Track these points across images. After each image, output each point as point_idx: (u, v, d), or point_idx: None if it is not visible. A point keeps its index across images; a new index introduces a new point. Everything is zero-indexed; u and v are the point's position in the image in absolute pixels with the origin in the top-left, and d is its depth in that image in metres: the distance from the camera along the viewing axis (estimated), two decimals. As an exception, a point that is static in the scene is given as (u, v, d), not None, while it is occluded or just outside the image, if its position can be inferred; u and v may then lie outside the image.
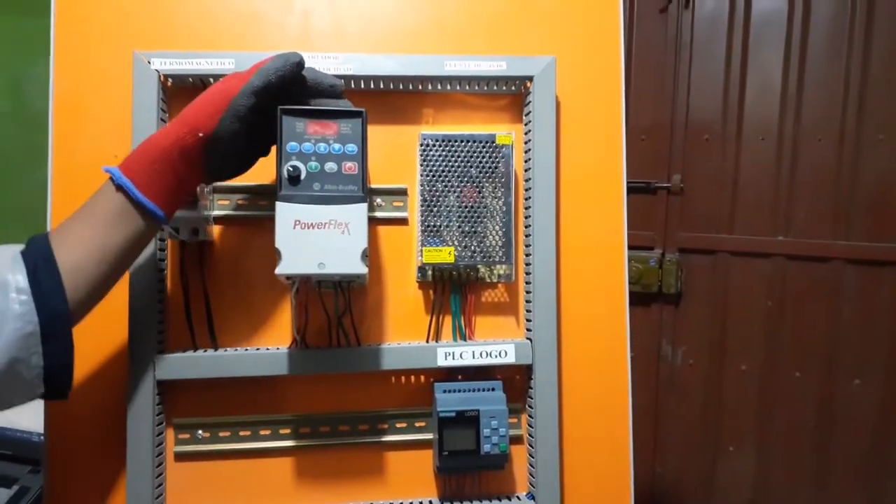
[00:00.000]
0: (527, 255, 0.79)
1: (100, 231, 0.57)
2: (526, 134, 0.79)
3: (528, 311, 0.79)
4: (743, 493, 1.82)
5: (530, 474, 0.79)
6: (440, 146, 0.76)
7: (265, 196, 0.76)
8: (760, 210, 1.74)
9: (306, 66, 0.65)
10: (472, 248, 0.76)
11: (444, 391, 0.77)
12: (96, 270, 0.57)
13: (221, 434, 0.76)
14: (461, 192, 0.76)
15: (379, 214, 0.78)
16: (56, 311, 0.54)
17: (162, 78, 0.73)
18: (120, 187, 0.58)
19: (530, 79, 0.77)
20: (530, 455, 0.79)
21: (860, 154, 1.63)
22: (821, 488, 1.73)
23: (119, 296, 0.70)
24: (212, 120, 0.59)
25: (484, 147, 0.76)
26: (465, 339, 0.79)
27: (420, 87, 0.79)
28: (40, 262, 0.54)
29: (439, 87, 0.79)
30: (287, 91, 0.64)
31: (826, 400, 1.71)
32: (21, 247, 0.55)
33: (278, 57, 0.63)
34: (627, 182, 0.83)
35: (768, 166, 1.72)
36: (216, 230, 0.76)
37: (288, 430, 0.77)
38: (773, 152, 1.72)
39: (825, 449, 1.72)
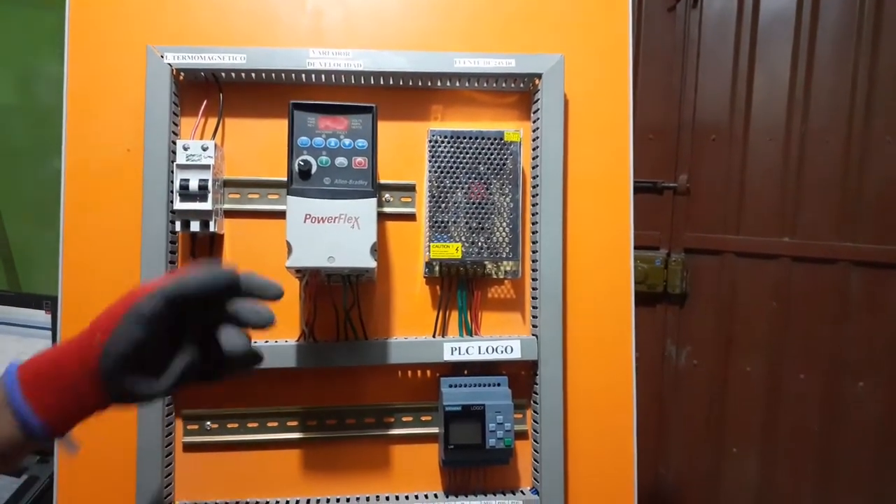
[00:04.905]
0: (533, 252, 0.79)
1: None
2: (534, 131, 0.80)
3: (534, 307, 0.79)
4: (746, 494, 1.82)
5: (535, 469, 0.79)
6: (449, 142, 0.76)
7: (276, 190, 0.77)
8: (767, 211, 1.74)
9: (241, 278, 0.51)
10: (480, 244, 0.76)
11: (450, 386, 0.78)
12: None
13: (230, 425, 0.77)
14: (469, 188, 0.76)
15: (387, 210, 0.79)
16: None
17: (174, 72, 0.74)
18: (9, 404, 0.48)
19: (539, 76, 0.77)
20: (535, 450, 0.79)
21: (867, 156, 1.63)
22: (825, 490, 1.72)
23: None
24: (112, 322, 0.48)
25: (492, 144, 0.76)
26: (471, 335, 0.79)
27: (430, 84, 0.80)
28: None
29: (448, 83, 0.80)
30: (210, 302, 0.51)
31: (830, 402, 1.70)
32: None
33: (211, 272, 0.50)
34: (634, 181, 0.83)
35: (775, 167, 1.72)
36: (226, 223, 0.77)
37: (295, 423, 0.78)
38: (780, 153, 1.71)
39: (829, 451, 1.71)
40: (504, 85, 0.80)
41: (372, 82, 0.78)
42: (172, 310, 0.49)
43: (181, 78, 0.76)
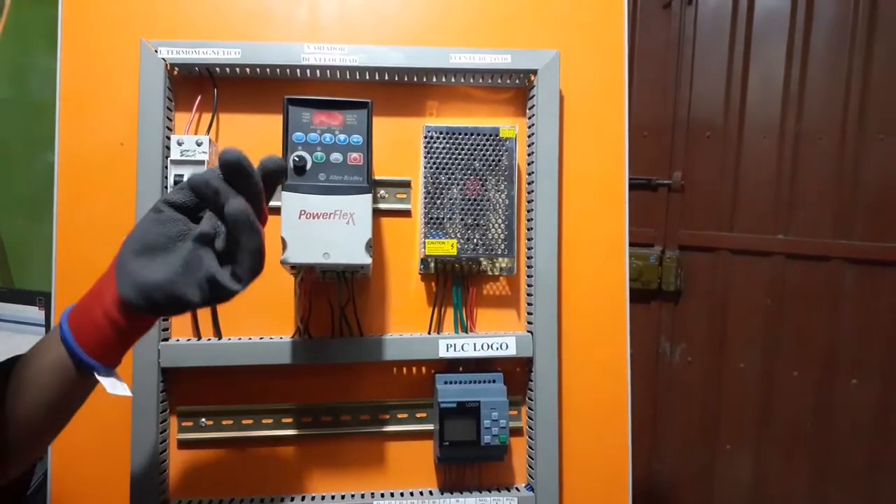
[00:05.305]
0: (528, 249, 0.79)
1: (40, 382, 0.52)
2: (529, 128, 0.80)
3: (529, 304, 0.79)
4: (740, 490, 1.83)
5: (530, 466, 0.79)
6: (444, 139, 0.76)
7: (270, 186, 0.76)
8: (761, 208, 1.74)
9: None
10: (475, 240, 0.76)
11: (446, 382, 0.78)
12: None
13: (224, 422, 0.76)
14: (464, 184, 0.76)
15: (382, 206, 0.79)
16: None
17: (168, 67, 0.73)
18: (65, 342, 0.51)
19: (534, 72, 0.77)
20: (530, 447, 0.79)
21: (861, 154, 1.64)
22: (818, 486, 1.73)
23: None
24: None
25: (488, 140, 0.76)
26: (466, 332, 0.79)
27: (425, 80, 0.79)
28: None
29: (444, 79, 0.79)
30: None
31: (823, 399, 1.71)
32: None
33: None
34: (628, 178, 0.83)
35: (769, 164, 1.73)
36: (221, 219, 0.76)
37: (290, 420, 0.77)
38: (774, 150, 1.72)
39: (822, 448, 1.73)
40: (500, 81, 0.80)
41: (367, 78, 0.78)
42: (174, 207, 0.50)
43: (175, 72, 0.75)
